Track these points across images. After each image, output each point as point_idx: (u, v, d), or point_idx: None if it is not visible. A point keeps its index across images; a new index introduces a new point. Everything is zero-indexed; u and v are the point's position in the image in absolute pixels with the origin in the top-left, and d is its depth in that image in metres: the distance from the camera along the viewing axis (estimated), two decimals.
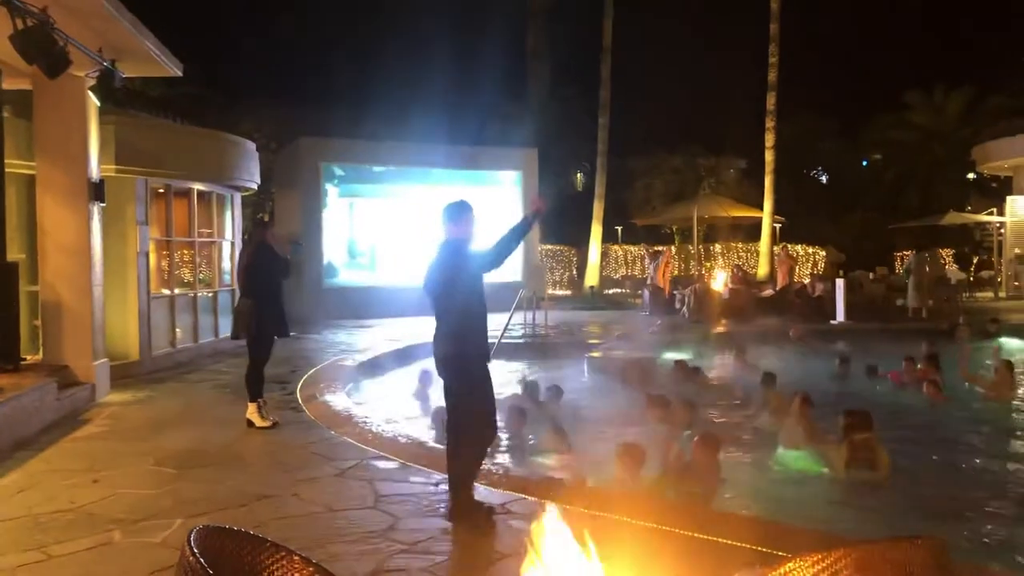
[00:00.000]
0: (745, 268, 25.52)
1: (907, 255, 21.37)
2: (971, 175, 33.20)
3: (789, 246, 28.33)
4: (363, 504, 5.39)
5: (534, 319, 15.79)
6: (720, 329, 16.59)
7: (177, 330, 12.18)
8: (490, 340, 5.52)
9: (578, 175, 39.68)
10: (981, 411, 9.59)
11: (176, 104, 21.24)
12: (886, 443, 6.90)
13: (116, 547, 4.73)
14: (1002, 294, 24.85)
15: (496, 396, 5.43)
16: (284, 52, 36.61)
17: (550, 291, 26.09)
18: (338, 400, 9.07)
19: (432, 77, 31.35)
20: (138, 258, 11.08)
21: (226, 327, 11.29)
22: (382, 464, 6.37)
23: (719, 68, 33.60)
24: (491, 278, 5.18)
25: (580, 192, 38.07)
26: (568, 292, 28.80)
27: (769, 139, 25.50)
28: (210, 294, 13.43)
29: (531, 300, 15.78)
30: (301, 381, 10.10)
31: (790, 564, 2.32)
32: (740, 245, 31.93)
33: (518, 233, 5.28)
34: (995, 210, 26.90)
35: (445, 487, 5.46)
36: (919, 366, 10.81)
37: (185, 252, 15.97)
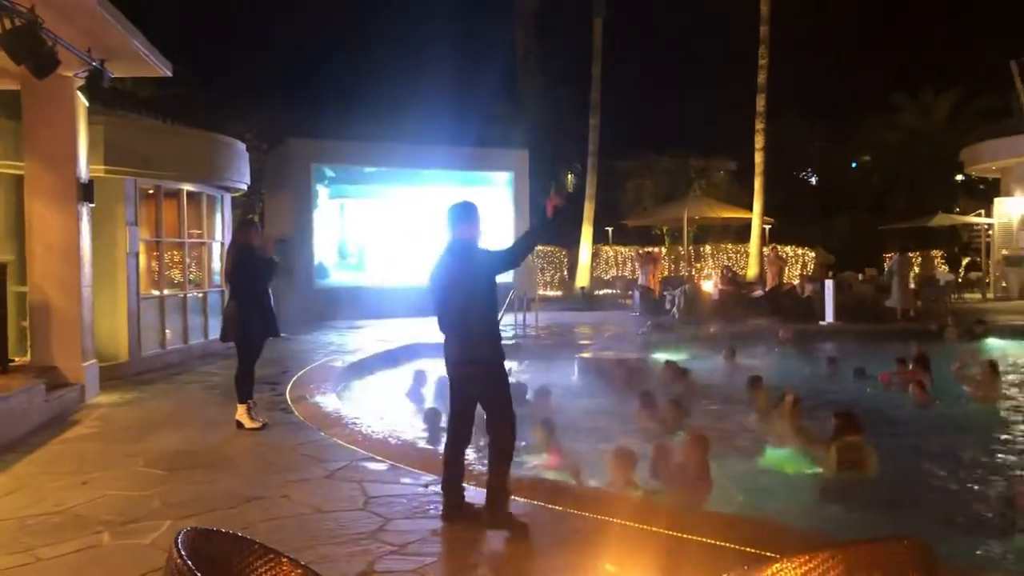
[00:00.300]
0: (735, 269, 25.59)
1: (891, 256, 21.46)
2: (959, 176, 33.36)
3: (779, 247, 28.41)
4: (353, 505, 5.39)
5: (524, 320, 15.82)
6: (710, 330, 16.64)
7: (167, 331, 12.14)
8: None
9: (569, 176, 39.71)
10: (968, 412, 9.66)
11: (166, 105, 21.14)
12: (873, 444, 6.94)
13: (105, 549, 4.72)
14: (990, 295, 24.99)
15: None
16: (275, 52, 36.57)
17: (541, 292, 26.14)
18: (328, 401, 9.06)
19: (423, 78, 31.41)
20: (127, 259, 11.03)
21: (216, 328, 11.26)
22: (372, 465, 6.37)
23: (710, 70, 33.73)
24: None
25: (571, 193, 38.11)
26: (559, 293, 28.83)
27: (759, 141, 25.57)
28: (200, 295, 13.39)
29: (522, 301, 15.80)
30: (291, 382, 10.08)
31: (777, 565, 2.33)
32: (730, 246, 32.02)
33: (537, 233, 5.26)
34: (983, 211, 27.07)
35: (436, 488, 5.47)
36: (910, 367, 10.88)
37: (175, 253, 15.92)
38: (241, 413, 7.75)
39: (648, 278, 21.07)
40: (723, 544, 4.48)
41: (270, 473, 6.22)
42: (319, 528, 4.97)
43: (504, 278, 5.63)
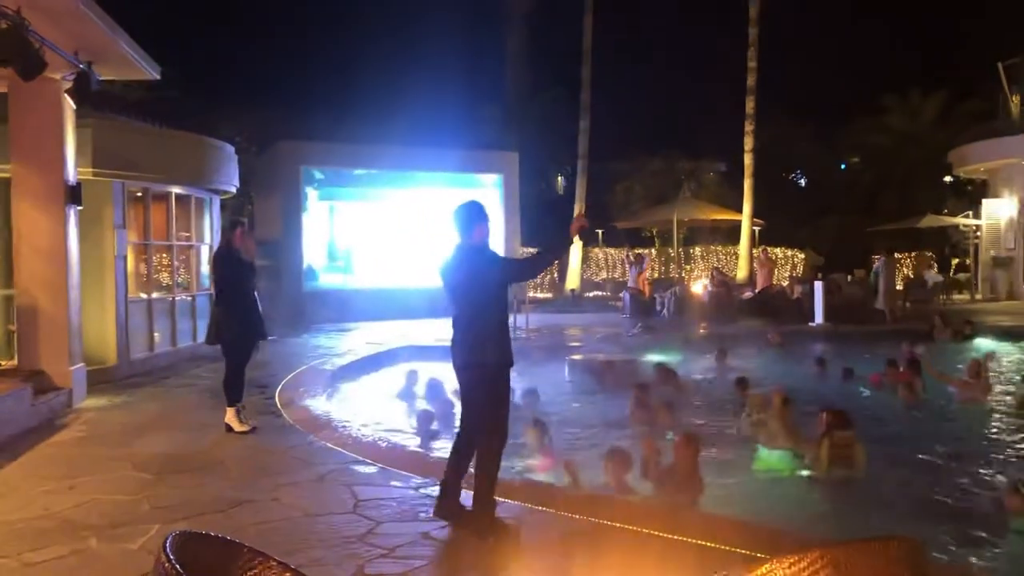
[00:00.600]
0: (724, 271, 25.65)
1: (876, 259, 21.53)
2: (948, 178, 33.48)
3: (768, 249, 28.47)
4: (342, 509, 5.37)
5: (515, 322, 15.80)
6: (700, 331, 16.67)
7: (155, 334, 12.09)
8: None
9: (559, 178, 39.74)
10: (956, 412, 9.70)
11: (155, 108, 21.06)
12: (862, 442, 6.96)
13: (93, 554, 4.68)
14: (978, 296, 25.12)
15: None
16: (264, 55, 36.40)
17: (531, 294, 26.12)
18: (318, 404, 9.04)
19: (413, 80, 31.33)
20: (116, 262, 10.98)
21: (205, 331, 11.23)
22: (361, 468, 6.35)
23: (699, 72, 33.78)
24: None
25: (561, 195, 38.13)
26: (549, 295, 28.81)
27: (748, 142, 25.64)
28: (188, 298, 13.34)
29: (512, 303, 15.79)
30: (280, 385, 10.05)
31: (767, 566, 2.33)
32: (720, 248, 32.06)
33: (558, 252, 5.20)
34: (971, 213, 27.20)
35: (425, 491, 5.45)
36: (900, 368, 10.91)
37: (163, 256, 15.84)
38: (230, 416, 7.71)
39: (637, 280, 21.07)
40: (713, 545, 4.48)
41: (259, 477, 6.19)
42: (309, 531, 4.95)
43: None
